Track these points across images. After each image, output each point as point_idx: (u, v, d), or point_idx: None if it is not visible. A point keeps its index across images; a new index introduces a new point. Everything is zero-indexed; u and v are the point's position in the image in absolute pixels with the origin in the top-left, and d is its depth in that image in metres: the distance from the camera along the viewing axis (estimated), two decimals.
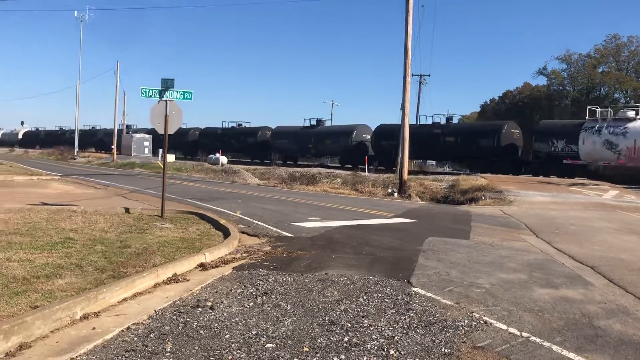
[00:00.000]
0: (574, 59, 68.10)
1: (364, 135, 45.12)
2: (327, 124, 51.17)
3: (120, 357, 4.27)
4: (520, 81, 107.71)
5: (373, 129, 44.87)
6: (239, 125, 58.11)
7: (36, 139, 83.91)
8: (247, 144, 54.94)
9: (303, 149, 50.32)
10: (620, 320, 5.74)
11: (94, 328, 4.91)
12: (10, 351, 4.28)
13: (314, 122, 50.17)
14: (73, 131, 64.47)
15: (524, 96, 73.86)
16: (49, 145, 71.24)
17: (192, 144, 59.99)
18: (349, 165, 42.04)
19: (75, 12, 56.52)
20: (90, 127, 76.12)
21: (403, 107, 24.08)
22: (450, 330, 5.16)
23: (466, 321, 5.44)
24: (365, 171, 32.46)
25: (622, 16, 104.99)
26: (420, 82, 52.48)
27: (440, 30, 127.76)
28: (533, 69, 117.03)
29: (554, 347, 4.81)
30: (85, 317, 5.15)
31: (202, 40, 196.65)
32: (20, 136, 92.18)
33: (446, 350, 4.65)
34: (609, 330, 5.38)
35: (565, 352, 4.70)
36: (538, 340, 4.99)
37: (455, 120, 41.91)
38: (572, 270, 8.31)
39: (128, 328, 4.94)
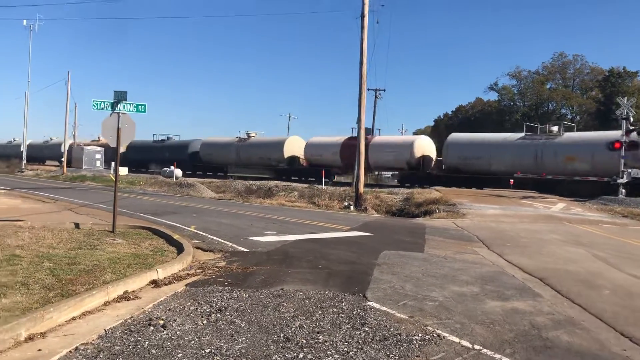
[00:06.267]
0: (523, 75, 70.69)
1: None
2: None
3: None
4: (473, 97, 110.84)
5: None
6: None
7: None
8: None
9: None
10: (567, 331, 5.92)
11: (39, 350, 4.73)
12: None
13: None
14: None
15: (476, 111, 75.96)
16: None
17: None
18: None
19: (25, 20, 54.90)
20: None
21: (359, 121, 24.34)
22: (404, 345, 5.20)
23: (420, 335, 5.50)
24: (322, 184, 32.57)
25: (568, 35, 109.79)
26: (375, 97, 53.31)
27: (396, 47, 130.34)
28: (485, 85, 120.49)
29: (505, 359, 4.91)
30: (30, 339, 4.95)
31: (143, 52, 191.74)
32: None
33: None
34: (556, 342, 5.53)
35: None
36: (489, 352, 5.08)
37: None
38: (522, 282, 8.53)
39: (76, 349, 4.78)
